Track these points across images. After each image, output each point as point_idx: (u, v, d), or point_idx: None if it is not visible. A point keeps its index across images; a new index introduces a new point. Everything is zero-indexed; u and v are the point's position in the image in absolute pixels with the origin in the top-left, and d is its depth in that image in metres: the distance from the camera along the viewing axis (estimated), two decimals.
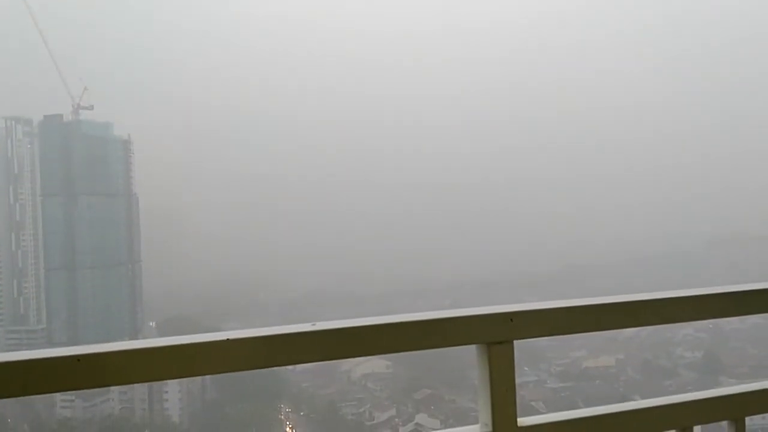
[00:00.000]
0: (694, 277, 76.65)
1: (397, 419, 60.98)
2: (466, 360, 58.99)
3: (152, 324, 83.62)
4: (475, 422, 2.58)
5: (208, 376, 63.40)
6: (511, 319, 2.60)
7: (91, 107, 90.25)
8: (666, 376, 64.49)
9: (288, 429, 64.48)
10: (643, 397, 2.98)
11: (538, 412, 2.68)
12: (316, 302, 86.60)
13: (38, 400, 61.38)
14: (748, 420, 3.11)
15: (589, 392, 58.63)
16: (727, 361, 65.49)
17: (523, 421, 2.58)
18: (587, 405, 2.82)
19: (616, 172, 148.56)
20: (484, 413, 2.55)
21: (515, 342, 2.61)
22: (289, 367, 66.97)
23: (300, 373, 70.56)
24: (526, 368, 61.68)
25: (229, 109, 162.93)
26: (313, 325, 2.37)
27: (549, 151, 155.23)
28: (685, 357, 70.08)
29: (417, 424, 56.47)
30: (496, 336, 2.57)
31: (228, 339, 2.25)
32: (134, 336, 78.20)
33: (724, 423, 3.13)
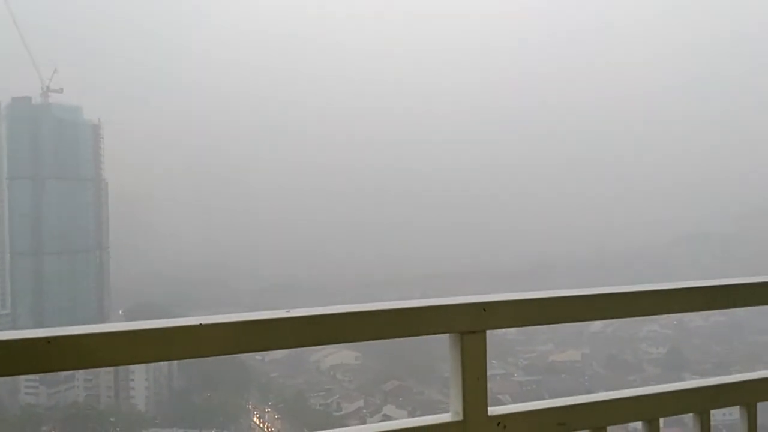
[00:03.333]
0: (659, 274, 77.83)
1: (364, 410, 61.26)
2: (435, 353, 59.43)
3: (120, 312, 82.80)
4: (444, 413, 2.62)
5: (175, 365, 63.26)
6: (484, 309, 2.65)
7: (61, 90, 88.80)
8: (631, 371, 65.59)
9: (255, 419, 64.37)
10: (608, 391, 3.04)
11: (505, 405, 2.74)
12: (287, 292, 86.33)
13: (1, 386, 60.53)
14: (712, 418, 3.20)
15: (555, 386, 59.42)
16: (690, 357, 66.85)
17: (493, 410, 2.63)
18: (553, 398, 2.88)
19: (590, 164, 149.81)
20: (455, 402, 2.59)
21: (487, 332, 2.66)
22: (258, 357, 66.88)
23: (268, 363, 70.46)
24: (494, 361, 62.01)
25: (201, 92, 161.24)
26: (288, 311, 2.38)
27: (526, 142, 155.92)
28: (649, 353, 71.34)
29: (384, 415, 56.74)
30: (469, 325, 2.62)
31: (201, 324, 2.26)
32: (102, 323, 77.36)
33: (689, 417, 3.20)
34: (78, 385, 63.94)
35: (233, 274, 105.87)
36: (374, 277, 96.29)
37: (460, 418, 2.56)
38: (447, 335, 2.62)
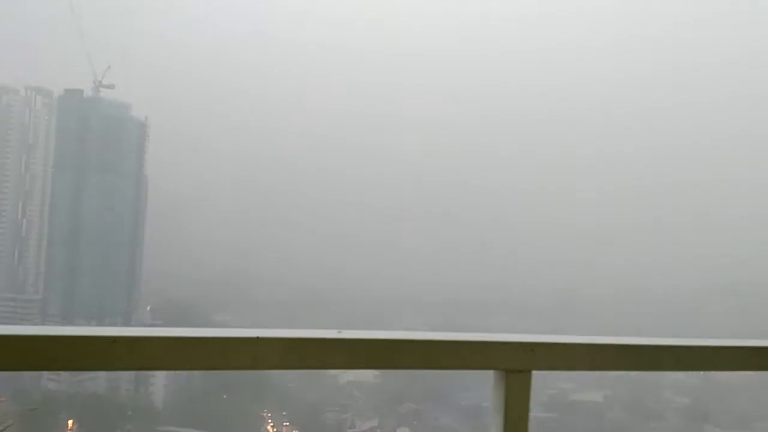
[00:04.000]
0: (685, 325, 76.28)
1: (378, 430, 60.86)
2: (455, 378, 58.94)
3: (148, 308, 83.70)
4: None
5: None
6: (533, 350, 2.70)
7: (113, 86, 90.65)
8: (652, 418, 64.30)
9: (269, 428, 64.39)
10: None
11: None
12: (307, 303, 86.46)
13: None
14: None
15: (574, 425, 58.46)
16: (714, 409, 65.29)
17: None
18: None
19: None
20: None
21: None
22: None
23: (287, 373, 70.45)
24: None
25: (249, 97, 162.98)
26: (339, 332, 2.48)
27: (560, 168, 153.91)
28: (673, 401, 69.82)
29: None
30: (517, 364, 2.67)
31: (258, 337, 2.37)
32: (129, 317, 78.35)
33: None
34: (100, 375, 64.68)
35: (257, 282, 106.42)
36: (394, 297, 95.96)
37: None
38: (491, 372, 2.68)
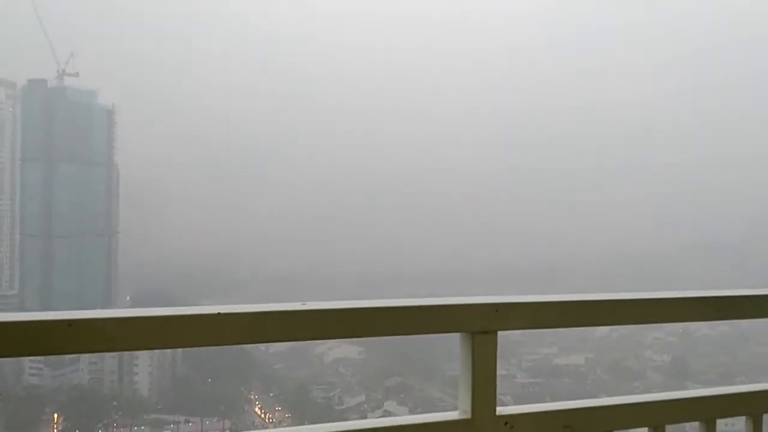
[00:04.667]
0: (669, 281, 77.54)
1: (365, 405, 61.48)
2: (437, 351, 59.50)
3: (127, 298, 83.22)
4: (448, 411, 2.65)
5: (179, 353, 63.53)
6: (497, 310, 2.69)
7: (77, 74, 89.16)
8: (634, 378, 65.50)
9: (257, 409, 64.65)
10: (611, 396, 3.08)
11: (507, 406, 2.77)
12: (290, 284, 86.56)
13: (6, 366, 60.97)
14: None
15: (557, 389, 59.42)
16: (694, 366, 66.66)
17: (501, 410, 2.65)
18: (555, 401, 2.91)
19: (604, 168, 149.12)
20: (464, 400, 2.62)
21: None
22: (262, 348, 67.18)
23: (272, 355, 70.71)
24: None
25: (215, 83, 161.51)
26: (303, 304, 2.42)
27: (540, 144, 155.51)
28: (654, 360, 71.18)
29: (385, 410, 56.89)
30: (481, 326, 2.66)
31: (219, 313, 2.30)
32: (108, 308, 77.74)
33: (696, 425, 3.22)
34: (82, 368, 64.36)
35: (238, 265, 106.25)
36: (380, 274, 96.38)
37: (468, 416, 2.60)
38: (457, 334, 2.65)
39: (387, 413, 56.59)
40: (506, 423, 2.64)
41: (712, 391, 3.24)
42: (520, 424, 2.68)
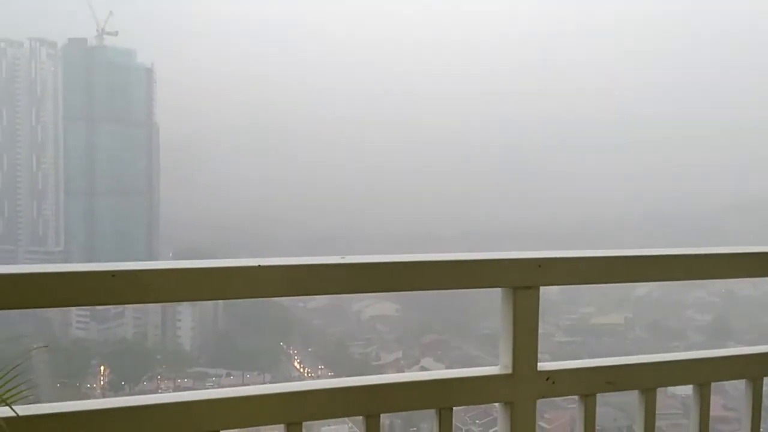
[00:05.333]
0: (710, 240, 76.12)
1: (402, 361, 62.12)
2: (474, 309, 59.65)
3: (170, 254, 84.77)
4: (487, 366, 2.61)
5: (221, 307, 64.85)
6: (539, 265, 2.64)
7: (116, 33, 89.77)
8: (675, 338, 64.88)
9: (296, 363, 65.87)
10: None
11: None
12: (330, 244, 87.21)
13: (54, 319, 62.94)
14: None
15: (596, 348, 59.22)
16: (737, 326, 65.65)
17: (542, 365, 2.61)
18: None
19: (635, 134, 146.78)
20: (505, 355, 2.59)
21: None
22: (300, 304, 68.21)
23: (311, 311, 71.74)
24: None
25: (257, 42, 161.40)
26: (342, 258, 2.41)
27: (579, 105, 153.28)
28: (695, 319, 70.30)
29: (422, 366, 57.44)
30: (523, 281, 2.62)
31: (259, 265, 2.32)
32: None
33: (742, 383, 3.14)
34: (127, 322, 66.13)
35: (279, 225, 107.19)
36: (415, 233, 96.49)
37: (509, 371, 2.56)
38: (496, 291, 2.62)
39: (424, 369, 57.18)
40: (548, 378, 2.60)
41: (758, 349, 3.18)
42: (562, 379, 2.64)
